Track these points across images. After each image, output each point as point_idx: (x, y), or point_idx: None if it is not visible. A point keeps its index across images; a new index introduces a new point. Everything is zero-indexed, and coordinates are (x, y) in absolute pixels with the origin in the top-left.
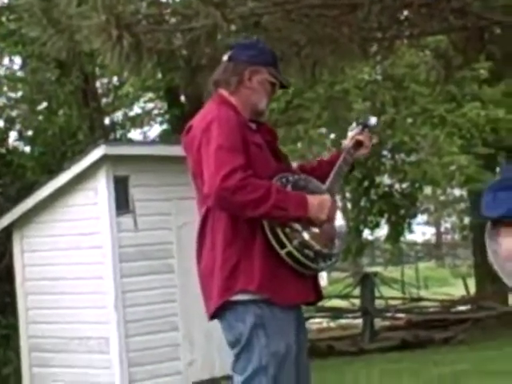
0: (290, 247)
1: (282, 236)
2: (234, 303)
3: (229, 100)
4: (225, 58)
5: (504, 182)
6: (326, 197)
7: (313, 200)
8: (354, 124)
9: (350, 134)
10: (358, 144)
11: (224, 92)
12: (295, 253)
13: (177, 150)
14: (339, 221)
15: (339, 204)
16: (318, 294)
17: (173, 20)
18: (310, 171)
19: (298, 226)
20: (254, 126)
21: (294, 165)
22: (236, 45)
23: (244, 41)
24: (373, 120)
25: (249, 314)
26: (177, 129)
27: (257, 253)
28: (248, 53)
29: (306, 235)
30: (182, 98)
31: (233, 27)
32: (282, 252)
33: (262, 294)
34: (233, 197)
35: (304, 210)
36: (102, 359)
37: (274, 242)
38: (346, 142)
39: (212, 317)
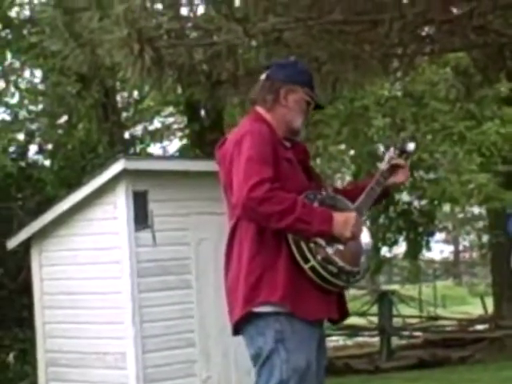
0: (313, 262)
1: (306, 250)
2: (255, 316)
3: (264, 117)
4: (262, 76)
5: None
6: (352, 214)
7: (338, 217)
8: (392, 148)
9: (387, 157)
10: (394, 168)
11: (260, 109)
12: (318, 268)
13: (196, 165)
14: (365, 239)
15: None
16: (343, 312)
17: (194, 34)
18: (343, 194)
19: (322, 242)
20: (288, 144)
21: (328, 187)
22: (274, 63)
23: (282, 60)
24: (411, 146)
25: (269, 328)
26: (196, 143)
27: (281, 266)
28: (285, 72)
29: (330, 251)
30: (202, 113)
31: (254, 43)
32: (306, 266)
33: (284, 307)
34: (258, 207)
35: (328, 225)
36: (119, 375)
37: (298, 256)
38: (382, 166)
39: (235, 330)
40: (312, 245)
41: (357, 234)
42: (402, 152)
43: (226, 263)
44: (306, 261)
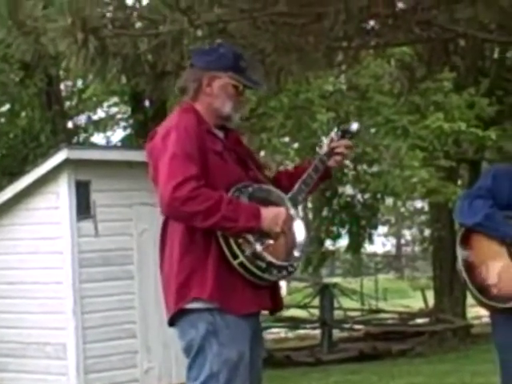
0: (242, 258)
1: (234, 246)
2: (188, 311)
3: (193, 107)
4: (188, 64)
5: (480, 191)
6: (282, 209)
7: (266, 212)
8: (335, 129)
9: (327, 140)
10: (333, 151)
11: (187, 99)
12: (247, 263)
13: (139, 156)
14: (299, 232)
15: (301, 214)
16: (277, 303)
17: (139, 25)
18: (287, 179)
19: (250, 238)
20: (220, 133)
21: (270, 173)
22: (196, 51)
23: (205, 46)
24: (354, 125)
25: (201, 321)
26: (140, 134)
27: (211, 262)
28: (206, 58)
29: (258, 247)
30: (146, 103)
31: (199, 33)
32: (235, 262)
33: (214, 303)
34: (182, 207)
35: (256, 221)
36: (59, 365)
37: (227, 252)
38: (322, 150)
39: (170, 324)
40: (241, 240)
41: (287, 228)
42: (344, 133)
43: (160, 259)
44: (235, 257)
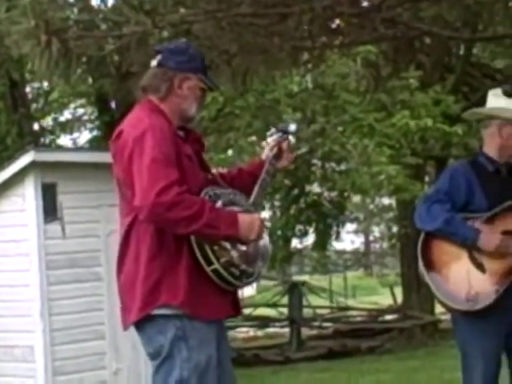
0: (216, 265)
1: (209, 253)
2: (155, 316)
3: (159, 107)
4: (153, 63)
5: (438, 195)
6: (256, 216)
7: (243, 219)
8: (274, 129)
9: (270, 141)
10: (280, 153)
11: (154, 99)
12: (221, 271)
13: (106, 157)
14: (263, 239)
15: (269, 213)
16: (237, 308)
17: (104, 26)
18: (230, 181)
19: (226, 245)
20: (182, 134)
21: (214, 171)
22: (165, 50)
23: (173, 45)
24: (292, 126)
25: (170, 326)
26: (106, 135)
27: (182, 268)
28: (177, 59)
29: (234, 254)
30: (113, 105)
31: (165, 34)
32: (208, 269)
33: (185, 310)
34: (167, 213)
35: (235, 229)
36: (27, 368)
37: (200, 259)
38: (267, 151)
39: (131, 327)
40: (216, 247)
41: (261, 235)
42: (284, 133)
43: (119, 261)
44: (209, 263)
